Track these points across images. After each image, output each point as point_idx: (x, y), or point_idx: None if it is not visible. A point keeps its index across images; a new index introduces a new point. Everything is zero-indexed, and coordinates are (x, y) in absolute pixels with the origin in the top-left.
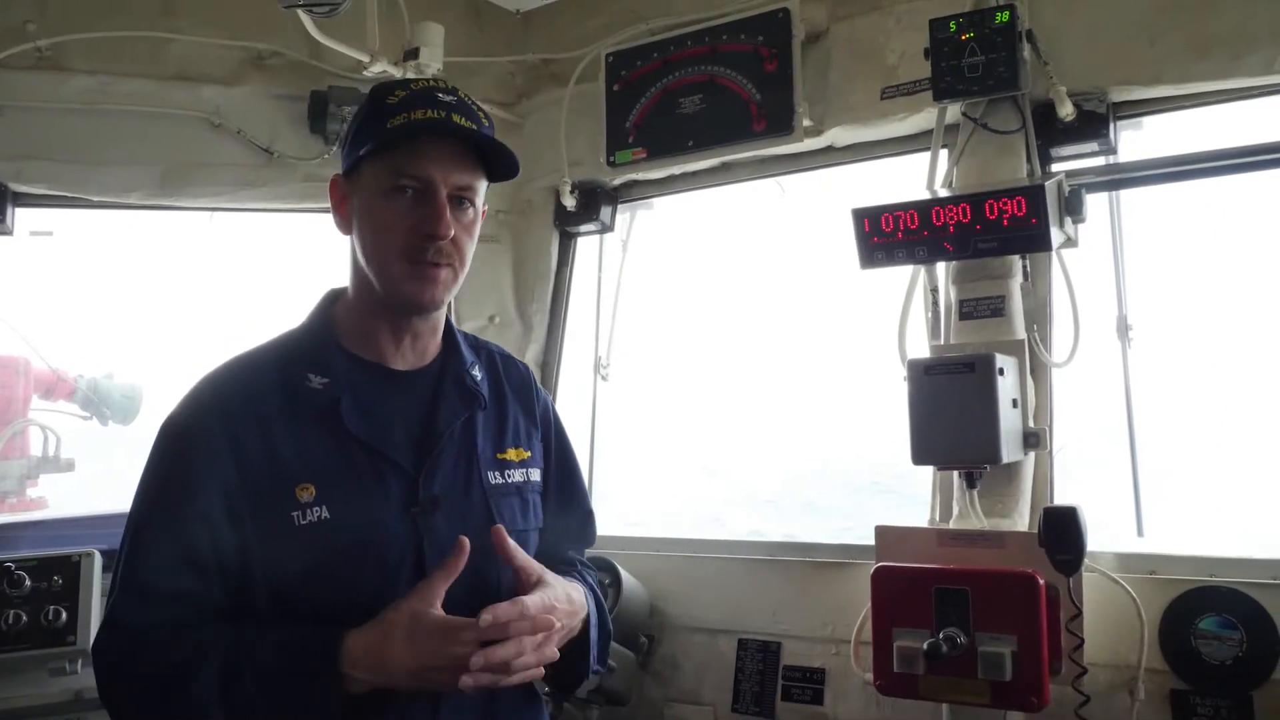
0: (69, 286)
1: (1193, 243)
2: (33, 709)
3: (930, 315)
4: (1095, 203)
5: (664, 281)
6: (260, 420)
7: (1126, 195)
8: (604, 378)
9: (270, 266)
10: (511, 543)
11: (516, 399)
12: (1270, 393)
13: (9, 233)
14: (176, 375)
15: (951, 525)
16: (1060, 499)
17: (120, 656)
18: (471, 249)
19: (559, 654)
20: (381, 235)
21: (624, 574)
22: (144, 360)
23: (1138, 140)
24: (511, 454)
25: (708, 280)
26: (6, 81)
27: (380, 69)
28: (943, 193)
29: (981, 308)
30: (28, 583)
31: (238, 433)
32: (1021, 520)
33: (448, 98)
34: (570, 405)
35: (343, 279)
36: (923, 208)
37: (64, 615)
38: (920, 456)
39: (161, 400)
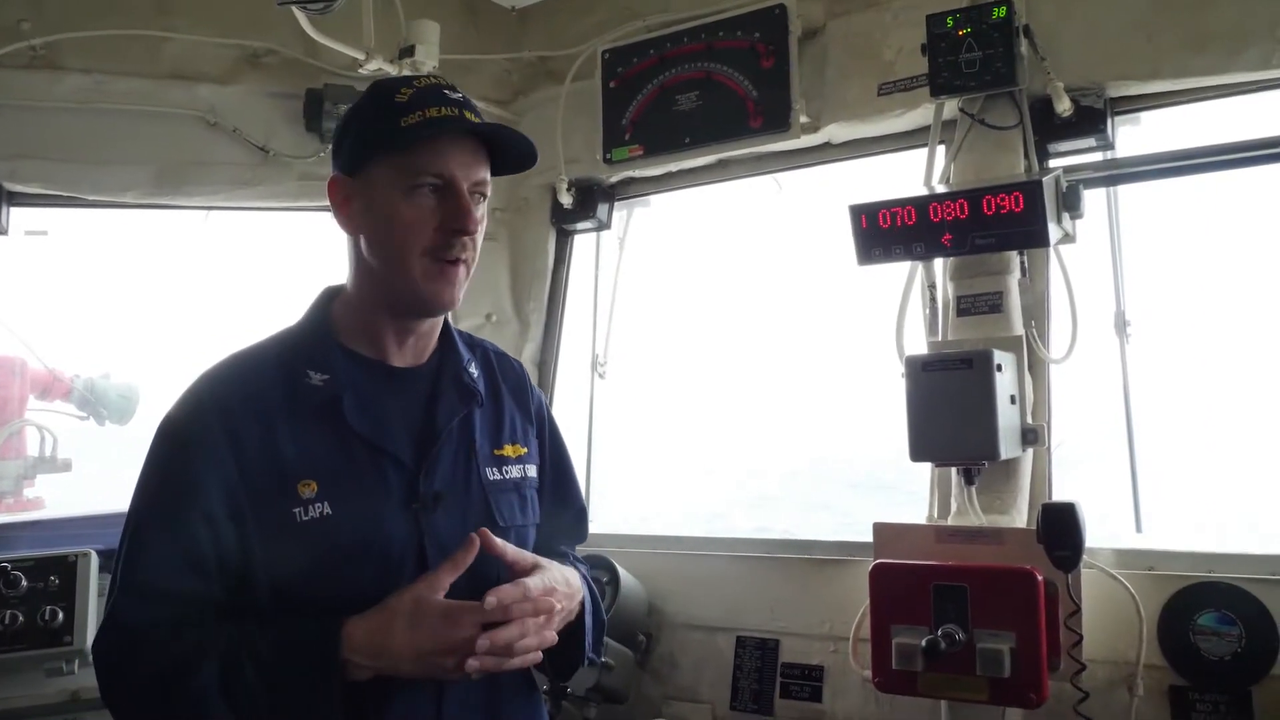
0: (65, 286)
1: (1190, 238)
2: (29, 710)
3: (928, 311)
4: (1093, 198)
5: (661, 279)
6: (260, 417)
7: (1124, 191)
8: (601, 376)
9: (266, 265)
10: (499, 541)
11: (512, 396)
12: (1268, 388)
13: (4, 232)
14: (173, 374)
15: (950, 522)
16: (1058, 495)
17: (121, 656)
18: (480, 246)
19: (557, 639)
20: (405, 235)
21: (622, 572)
22: (140, 360)
23: (1135, 136)
24: (509, 450)
25: (705, 277)
26: (1, 80)
27: (376, 67)
28: (940, 189)
29: (979, 304)
30: (24, 583)
31: (237, 430)
32: (1020, 517)
33: (455, 95)
34: (567, 403)
35: (340, 277)
36: (920, 204)
37: (61, 616)
38: (918, 453)
39: (158, 400)
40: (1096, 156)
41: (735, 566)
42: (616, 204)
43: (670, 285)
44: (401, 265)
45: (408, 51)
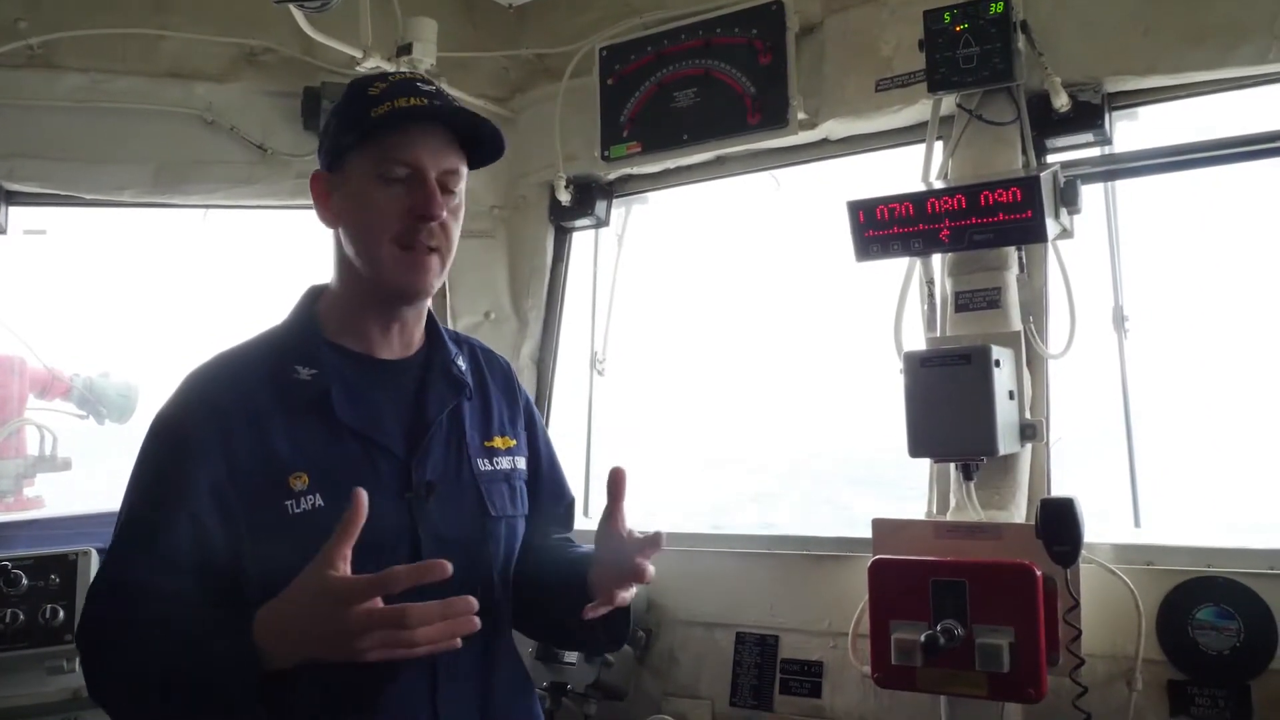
0: (64, 285)
1: (1189, 233)
2: (30, 708)
3: (926, 307)
4: (1091, 194)
5: (660, 276)
6: (250, 414)
7: (1122, 186)
8: (600, 373)
9: (265, 264)
10: (624, 489)
11: (500, 391)
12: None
13: (3, 231)
14: (172, 373)
15: (949, 517)
16: (1057, 490)
17: (90, 649)
18: (457, 235)
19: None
20: (373, 222)
21: None
22: (140, 359)
23: (1133, 131)
24: (498, 442)
25: (703, 274)
26: None
27: (373, 64)
28: (938, 184)
29: (977, 300)
30: (25, 581)
31: (227, 428)
32: (1019, 512)
33: (427, 87)
34: (566, 401)
35: (329, 276)
36: (918, 200)
37: (61, 614)
38: (917, 449)
39: (157, 398)
40: (1094, 152)
41: (734, 562)
42: (615, 201)
43: (669, 282)
44: (373, 254)
45: (405, 49)
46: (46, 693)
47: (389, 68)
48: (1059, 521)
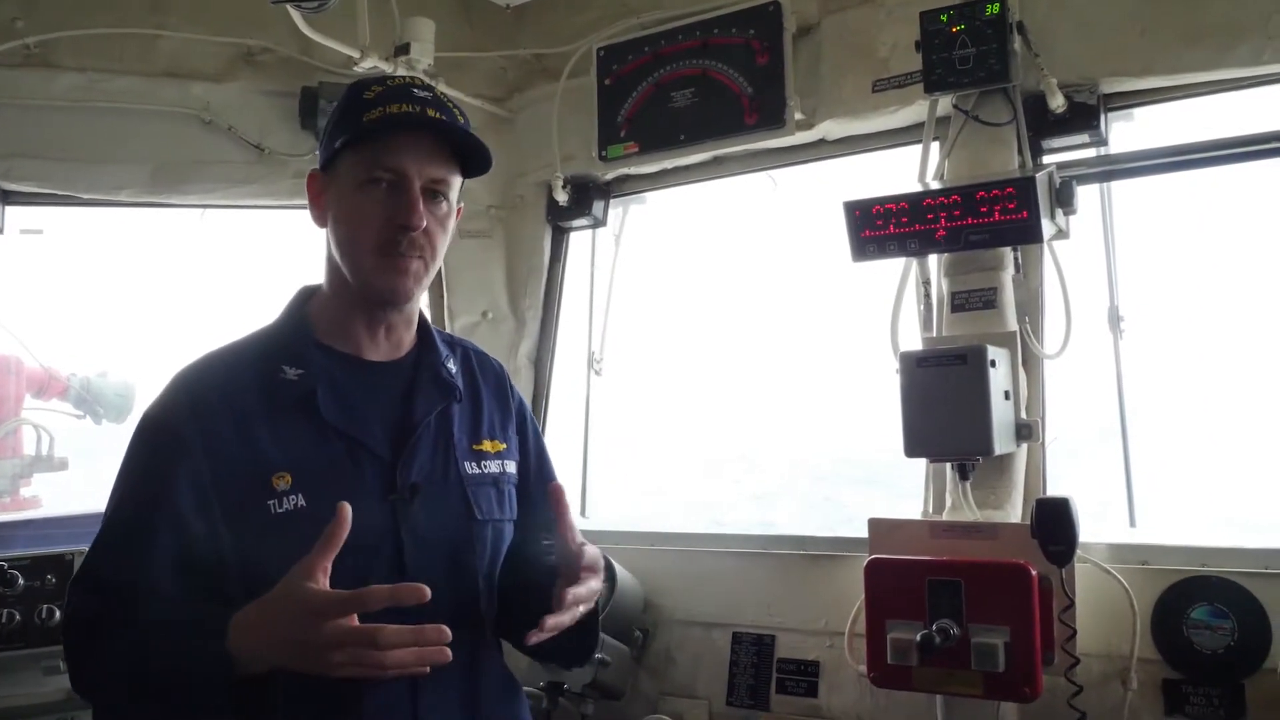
0: (61, 285)
1: (1184, 234)
2: (27, 708)
3: (922, 308)
4: (1087, 194)
5: (657, 276)
6: (236, 414)
7: (1118, 187)
8: (597, 373)
9: (262, 264)
10: (566, 503)
11: (492, 395)
12: (1262, 382)
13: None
14: (169, 373)
15: (944, 517)
16: (1052, 490)
17: (69, 644)
18: (445, 243)
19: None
20: (355, 227)
21: (618, 568)
22: (137, 358)
23: (1129, 131)
24: (488, 445)
25: (701, 275)
26: None
27: (371, 65)
28: (934, 185)
29: (973, 300)
30: (21, 582)
31: (212, 428)
32: (1014, 512)
33: (423, 93)
34: (564, 401)
35: (320, 277)
36: (914, 200)
37: (57, 614)
38: (913, 449)
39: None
40: (1090, 152)
41: (731, 562)
42: (612, 201)
43: (666, 283)
44: (355, 258)
45: (403, 49)
46: (43, 693)
47: (386, 68)
48: (1054, 521)
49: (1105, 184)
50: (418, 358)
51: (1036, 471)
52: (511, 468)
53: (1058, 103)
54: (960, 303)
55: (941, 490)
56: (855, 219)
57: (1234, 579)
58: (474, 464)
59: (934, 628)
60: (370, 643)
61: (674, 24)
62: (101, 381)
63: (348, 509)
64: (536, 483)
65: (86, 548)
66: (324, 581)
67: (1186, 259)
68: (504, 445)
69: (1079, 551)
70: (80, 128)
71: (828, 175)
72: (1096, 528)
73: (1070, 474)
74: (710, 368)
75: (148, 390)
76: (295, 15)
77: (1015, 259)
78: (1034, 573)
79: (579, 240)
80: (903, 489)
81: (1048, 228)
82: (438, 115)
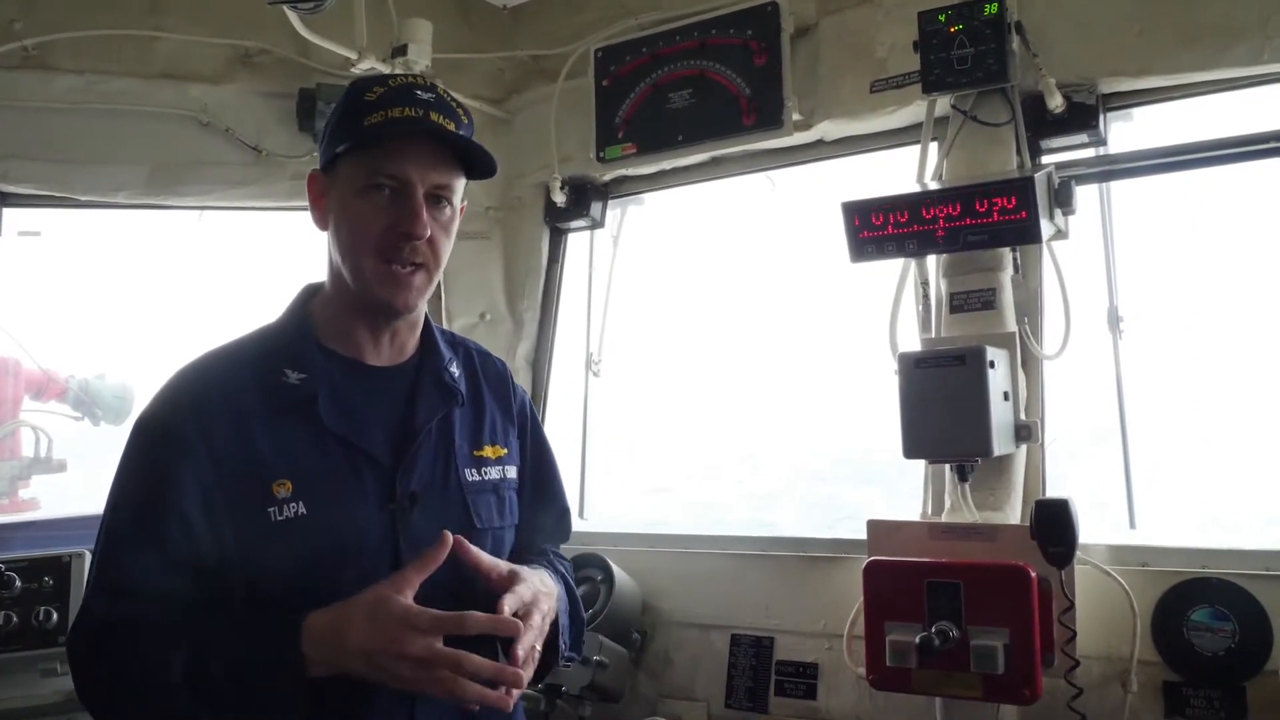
0: (59, 287)
1: (1184, 234)
2: (24, 710)
3: (921, 309)
4: (1085, 194)
5: (655, 277)
6: (236, 416)
7: (1117, 187)
8: (595, 374)
9: (260, 266)
10: (473, 548)
11: (494, 396)
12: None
13: None
14: (168, 375)
15: (944, 519)
16: (1052, 491)
17: (94, 652)
18: (448, 249)
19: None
20: (356, 233)
21: (616, 570)
22: (135, 360)
23: (1128, 131)
24: (488, 451)
25: (699, 276)
26: None
27: (368, 66)
28: (933, 186)
29: (972, 300)
30: (18, 584)
31: (213, 429)
32: (1013, 513)
33: (426, 95)
34: (562, 402)
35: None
36: (912, 201)
37: (55, 616)
38: (912, 450)
39: None
40: (1089, 152)
41: (730, 564)
42: (610, 202)
43: (665, 284)
44: (356, 265)
45: (400, 50)
46: (40, 695)
47: (384, 69)
48: (1054, 523)
49: (1104, 184)
50: (420, 362)
51: (1036, 473)
52: (512, 473)
53: (1056, 103)
54: (959, 303)
55: (940, 492)
56: (853, 220)
57: (1235, 581)
58: (474, 471)
59: (933, 630)
60: (455, 667)
61: (672, 25)
62: (100, 383)
63: (448, 540)
64: (535, 486)
65: (85, 550)
66: (411, 597)
67: (1186, 259)
68: (505, 450)
69: (1079, 553)
70: (78, 129)
71: (826, 176)
72: (1096, 529)
73: (1070, 475)
74: (709, 369)
75: (146, 392)
76: (292, 17)
77: (1014, 259)
78: (1033, 574)
79: (577, 241)
80: (902, 488)
81: (1046, 228)
82: (441, 119)
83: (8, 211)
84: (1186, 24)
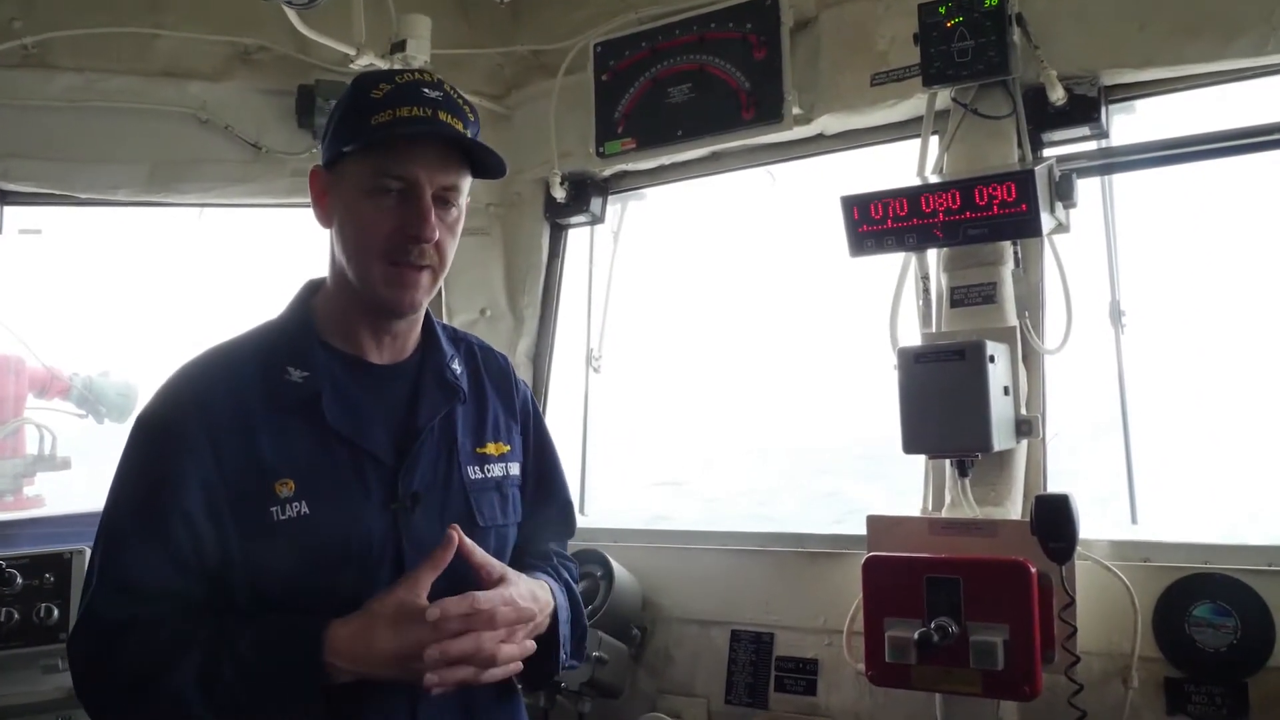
0: (61, 285)
1: (1186, 227)
2: (25, 706)
3: (921, 303)
4: (1087, 187)
5: (656, 272)
6: (239, 414)
7: (1119, 180)
8: (596, 370)
9: (261, 262)
10: (469, 542)
11: (496, 392)
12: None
13: None
14: (171, 372)
15: (943, 514)
16: (1053, 487)
17: (98, 653)
18: (454, 248)
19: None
20: (363, 234)
21: (616, 566)
22: (139, 357)
23: (1130, 124)
24: (491, 448)
25: (700, 270)
26: None
27: (367, 62)
28: (933, 179)
29: (973, 295)
30: (19, 580)
31: (216, 426)
32: (1014, 508)
33: (433, 93)
34: (562, 398)
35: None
36: (912, 194)
37: (56, 613)
38: (911, 445)
39: None
40: (1091, 145)
41: (729, 560)
42: (610, 197)
43: (665, 278)
44: (362, 266)
45: (399, 46)
46: (41, 691)
47: (383, 65)
48: (1054, 518)
49: (1106, 177)
50: (422, 359)
51: (1036, 468)
52: (515, 469)
53: (1058, 95)
54: (959, 298)
55: (940, 487)
56: (853, 214)
57: (1237, 576)
58: (477, 468)
59: (932, 626)
60: (471, 663)
61: (671, 19)
62: (103, 381)
63: (454, 538)
64: (538, 481)
65: (85, 546)
66: (425, 599)
67: (1189, 252)
68: (508, 447)
69: (1079, 548)
70: (78, 127)
71: (826, 170)
72: (1097, 524)
73: (1070, 470)
74: (710, 363)
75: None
76: (290, 13)
77: (1015, 253)
78: (1033, 570)
79: (577, 237)
80: (903, 484)
81: (1047, 221)
82: (449, 118)
83: (8, 209)
84: (1189, 15)
